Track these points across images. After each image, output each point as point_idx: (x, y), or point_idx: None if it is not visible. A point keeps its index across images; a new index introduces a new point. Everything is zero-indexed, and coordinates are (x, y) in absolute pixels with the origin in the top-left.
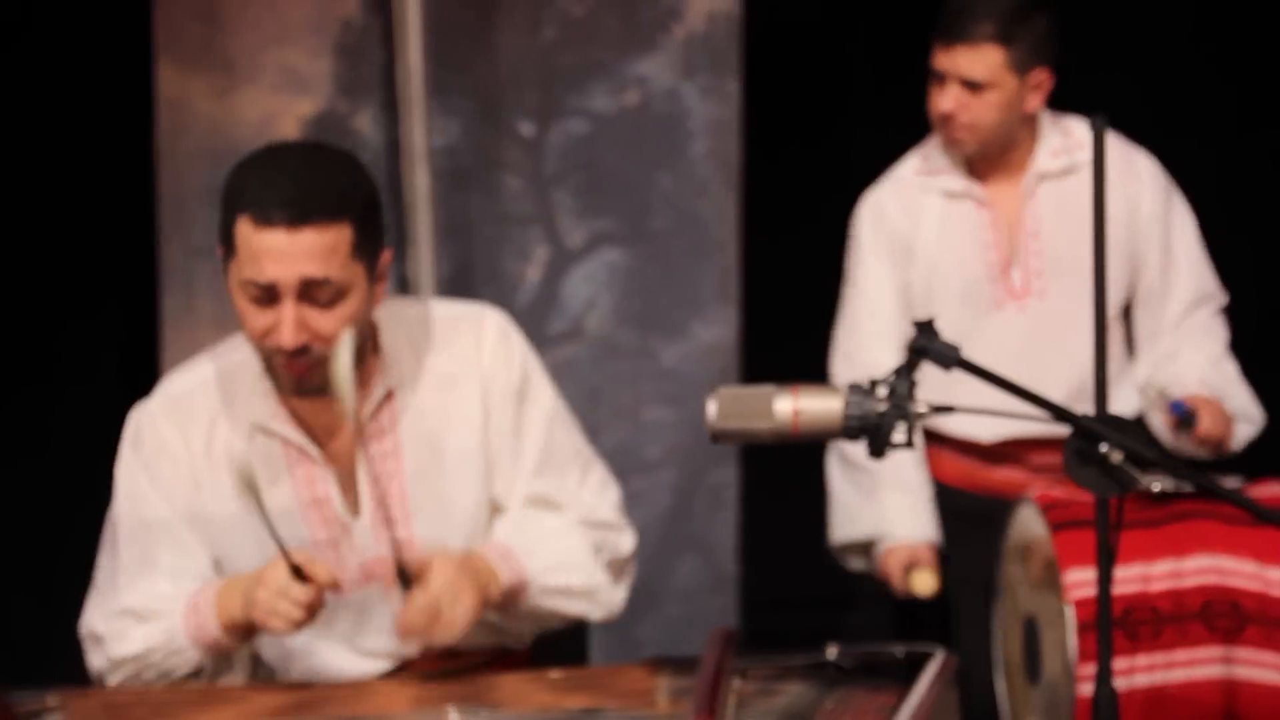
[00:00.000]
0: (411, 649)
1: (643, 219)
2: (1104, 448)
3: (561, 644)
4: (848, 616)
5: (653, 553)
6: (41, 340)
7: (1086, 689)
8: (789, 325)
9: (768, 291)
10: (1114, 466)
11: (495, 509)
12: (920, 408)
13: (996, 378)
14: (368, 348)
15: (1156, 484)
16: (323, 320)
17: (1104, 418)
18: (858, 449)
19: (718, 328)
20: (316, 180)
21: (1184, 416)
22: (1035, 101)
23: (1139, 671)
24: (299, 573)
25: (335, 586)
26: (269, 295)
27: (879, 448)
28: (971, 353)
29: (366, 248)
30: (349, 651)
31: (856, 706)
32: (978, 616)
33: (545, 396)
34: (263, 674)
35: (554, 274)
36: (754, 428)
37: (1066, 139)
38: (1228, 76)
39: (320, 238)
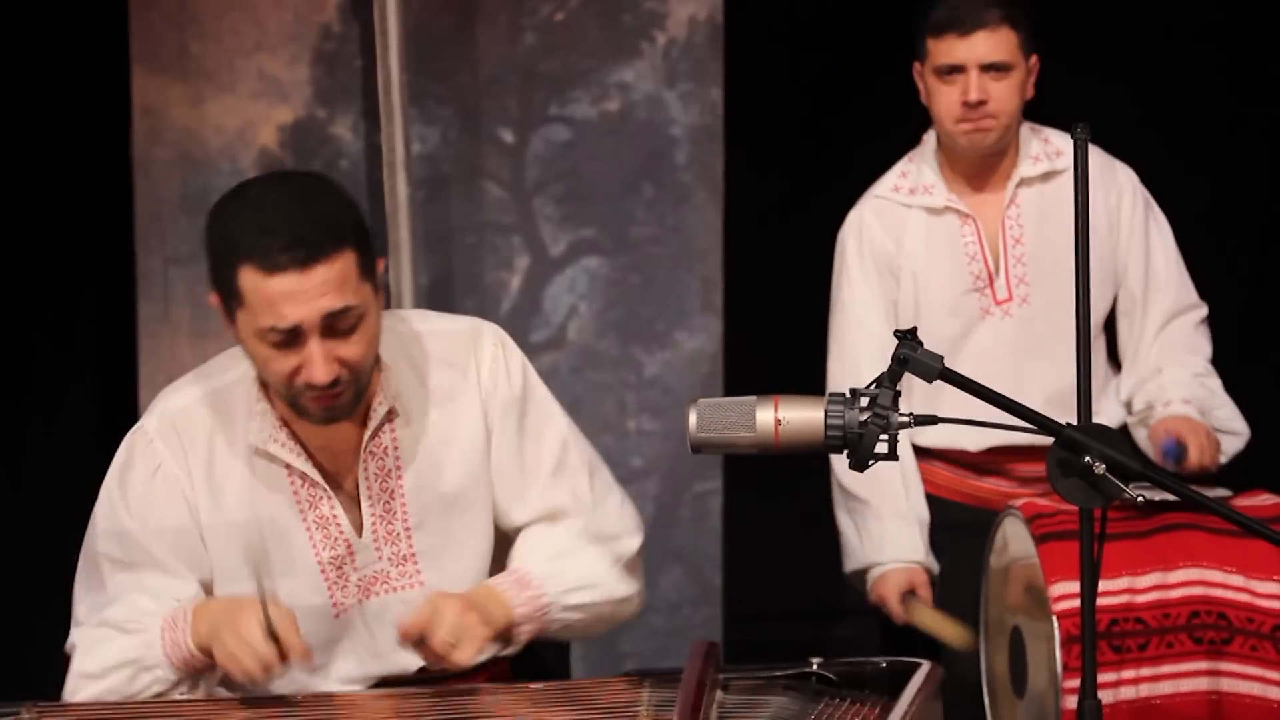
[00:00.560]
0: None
1: (625, 227)
2: (1087, 458)
3: (543, 656)
4: (834, 628)
5: None
6: (17, 348)
7: (1072, 702)
8: (773, 334)
9: (751, 300)
10: (1098, 477)
11: (500, 523)
12: (902, 418)
13: (980, 388)
14: (373, 365)
15: (1141, 495)
16: (348, 348)
17: (1088, 428)
18: (856, 479)
19: (701, 337)
20: (310, 215)
21: (1176, 457)
22: (1031, 89)
23: (1125, 684)
24: (273, 630)
25: (304, 659)
26: (292, 338)
27: (861, 460)
28: (961, 362)
29: (368, 265)
30: (323, 678)
31: (840, 719)
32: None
33: (547, 407)
34: (238, 689)
35: (535, 283)
36: (735, 439)
37: (1046, 146)
38: (1214, 83)
39: (331, 270)
